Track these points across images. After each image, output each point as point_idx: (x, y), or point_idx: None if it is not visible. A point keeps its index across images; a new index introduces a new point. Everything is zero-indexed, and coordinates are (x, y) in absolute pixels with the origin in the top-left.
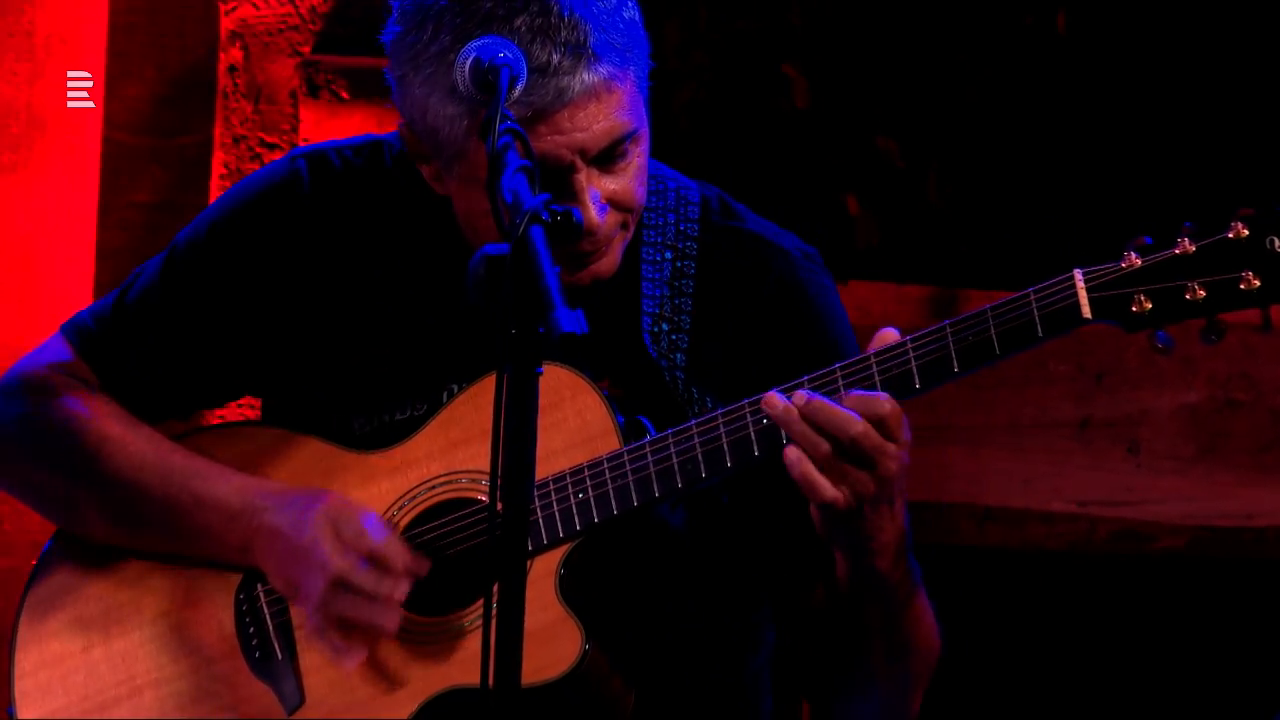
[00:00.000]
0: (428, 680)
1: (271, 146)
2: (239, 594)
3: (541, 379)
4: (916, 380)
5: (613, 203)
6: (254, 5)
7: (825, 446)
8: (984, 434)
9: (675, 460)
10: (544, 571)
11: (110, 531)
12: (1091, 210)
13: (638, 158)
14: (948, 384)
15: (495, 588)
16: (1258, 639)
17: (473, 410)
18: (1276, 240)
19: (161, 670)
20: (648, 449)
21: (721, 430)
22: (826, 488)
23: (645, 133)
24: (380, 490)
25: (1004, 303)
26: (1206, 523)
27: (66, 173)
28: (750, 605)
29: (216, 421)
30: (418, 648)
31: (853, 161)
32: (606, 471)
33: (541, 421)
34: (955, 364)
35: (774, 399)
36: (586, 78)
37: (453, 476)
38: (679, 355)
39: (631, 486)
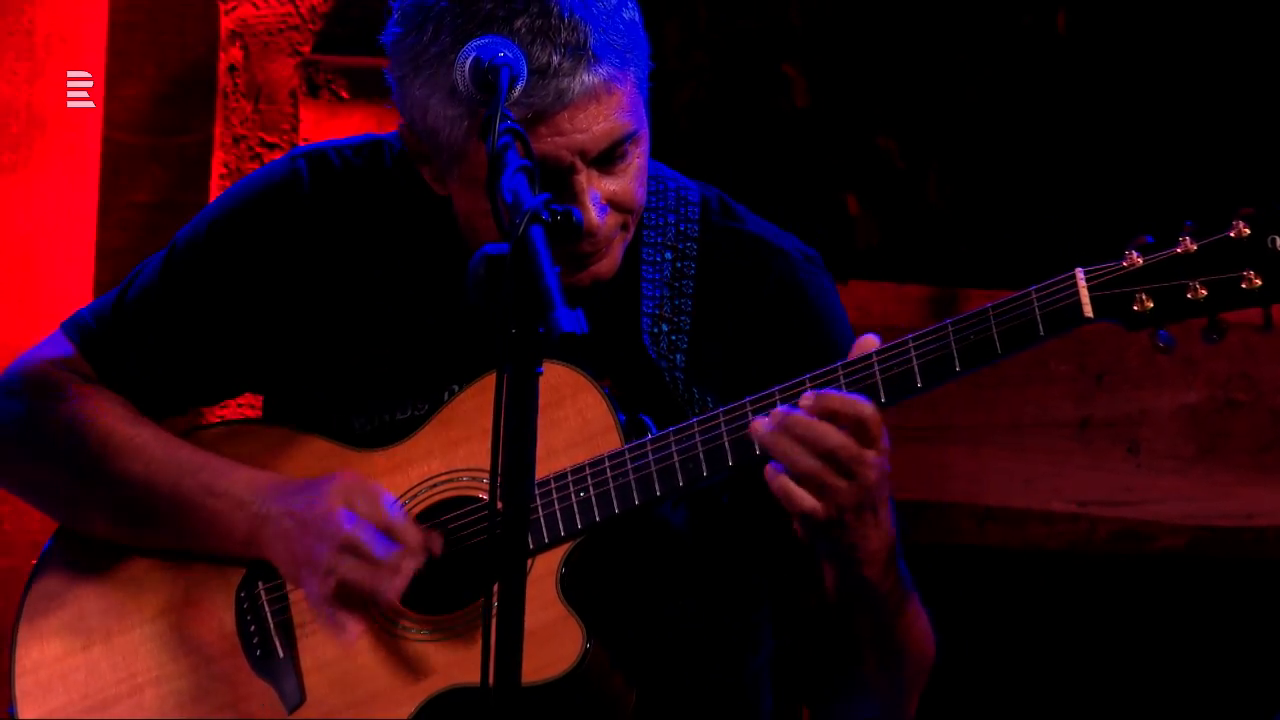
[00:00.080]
0: (428, 679)
1: (271, 146)
2: (240, 592)
3: (543, 377)
4: (918, 379)
5: (613, 204)
6: (254, 5)
7: (804, 461)
8: (985, 433)
9: (677, 459)
10: (545, 570)
11: (114, 528)
12: (1092, 209)
13: (638, 159)
14: (949, 383)
15: (496, 586)
16: (1258, 639)
17: (473, 409)
18: (1277, 239)
19: (162, 669)
20: (649, 447)
21: (723, 429)
22: (804, 498)
23: (645, 134)
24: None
25: (1005, 302)
26: (1206, 523)
27: (66, 172)
28: (750, 605)
29: (217, 420)
30: (419, 646)
31: (853, 161)
32: (608, 470)
33: (543, 419)
34: (957, 363)
35: (757, 427)
36: (586, 79)
37: (453, 475)
38: (679, 356)
39: (633, 485)
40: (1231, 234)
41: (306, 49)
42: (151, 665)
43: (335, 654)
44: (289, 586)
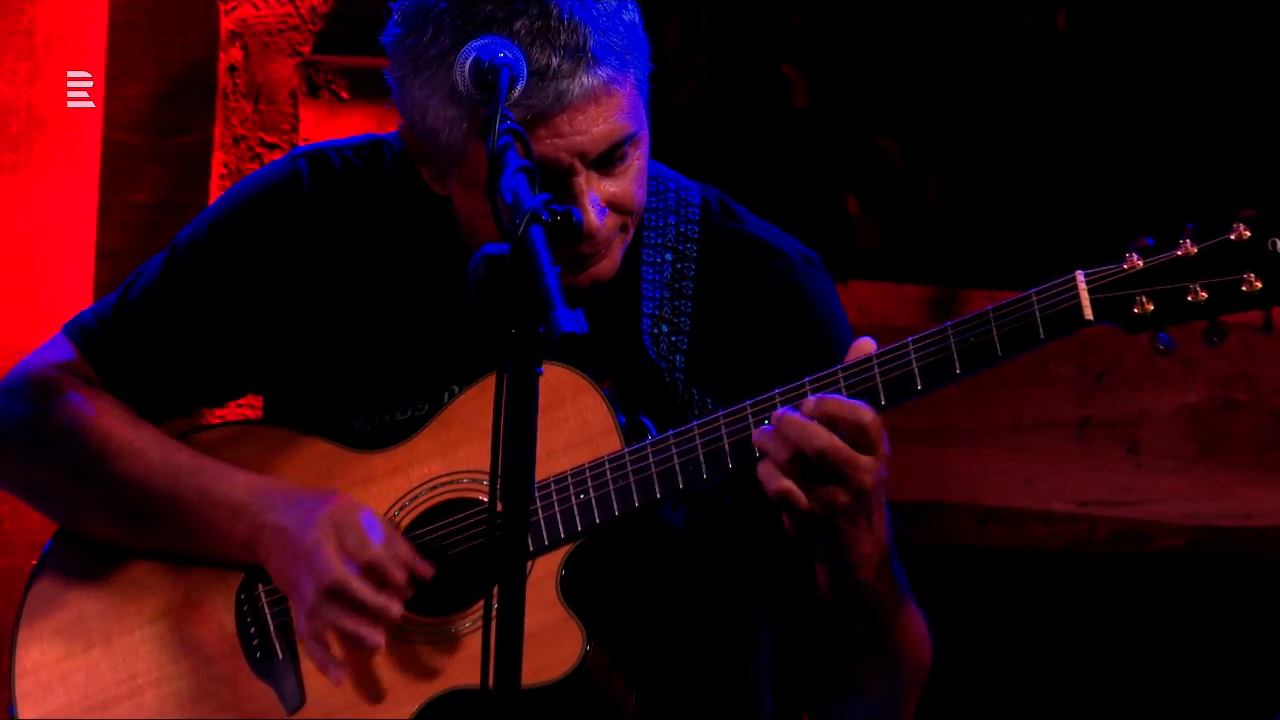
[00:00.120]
0: (428, 681)
1: (271, 146)
2: (240, 594)
3: (543, 378)
4: (919, 381)
5: (612, 205)
6: (254, 5)
7: (786, 454)
8: (985, 434)
9: (677, 461)
10: (545, 572)
11: (114, 530)
12: (1092, 211)
13: (637, 160)
14: (949, 385)
15: (496, 588)
16: (1258, 639)
17: (473, 410)
18: (1278, 242)
19: (162, 669)
20: (649, 449)
21: (723, 431)
22: (779, 478)
23: (645, 135)
24: (381, 490)
25: (1006, 304)
26: (1206, 523)
27: (66, 172)
28: (751, 605)
29: (217, 421)
30: (419, 648)
31: (852, 162)
32: (608, 472)
33: (543, 421)
34: (957, 365)
35: (757, 433)
36: (586, 81)
37: (454, 476)
38: (679, 357)
39: (633, 487)
40: (1232, 236)
41: (306, 49)
42: (151, 666)
43: (315, 665)
44: None
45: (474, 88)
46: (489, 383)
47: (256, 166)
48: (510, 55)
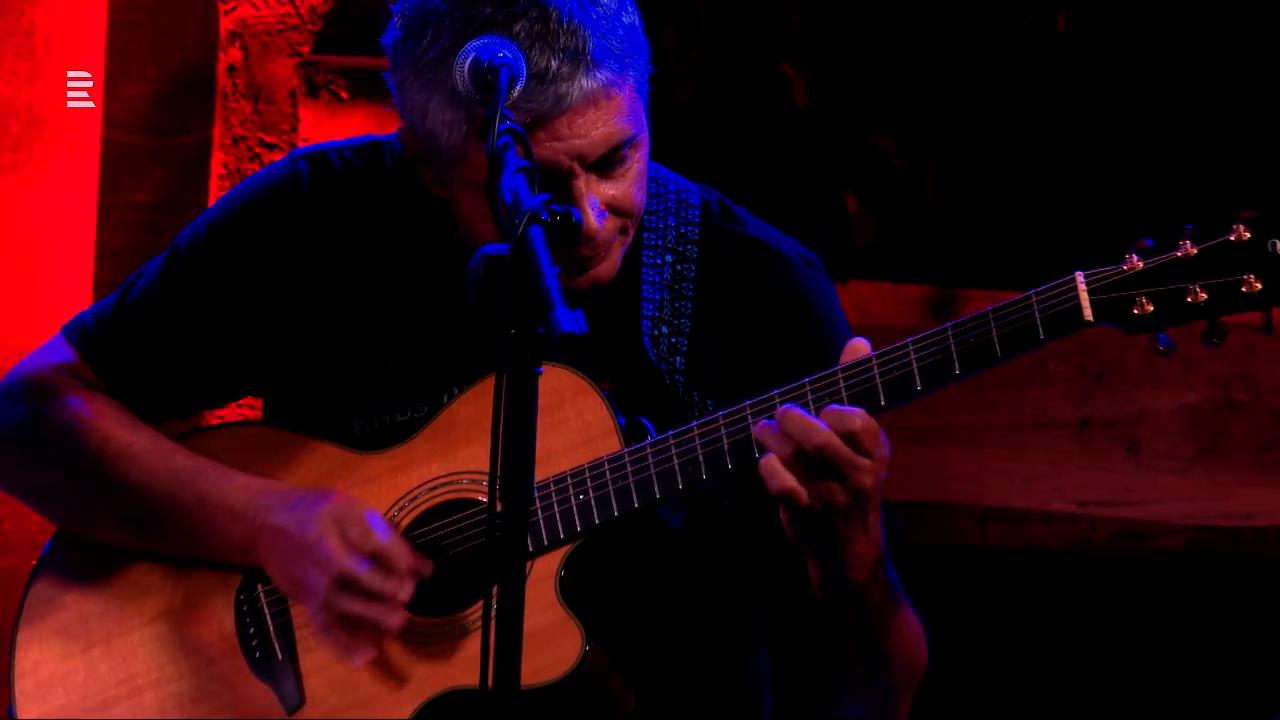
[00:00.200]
0: (428, 681)
1: (271, 146)
2: (239, 594)
3: (543, 379)
4: (918, 382)
5: (612, 208)
6: (253, 5)
7: (789, 449)
8: (985, 434)
9: (676, 462)
10: (544, 573)
11: (113, 532)
12: (1092, 211)
13: (637, 163)
14: (949, 386)
15: (495, 589)
16: (1258, 639)
17: (473, 411)
18: (1278, 243)
19: (162, 670)
20: (648, 450)
21: (723, 432)
22: (785, 476)
23: (645, 138)
24: (381, 490)
25: (1005, 304)
26: (1206, 523)
27: (66, 172)
28: (750, 606)
29: (216, 421)
30: (418, 648)
31: (851, 160)
32: (607, 472)
33: (542, 422)
34: (957, 366)
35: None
36: (585, 84)
37: (453, 477)
38: (679, 358)
39: (632, 488)
40: (1231, 237)
41: (306, 49)
42: (151, 667)
43: (334, 656)
44: None
45: (473, 88)
46: (489, 384)
47: (256, 167)
48: (510, 55)
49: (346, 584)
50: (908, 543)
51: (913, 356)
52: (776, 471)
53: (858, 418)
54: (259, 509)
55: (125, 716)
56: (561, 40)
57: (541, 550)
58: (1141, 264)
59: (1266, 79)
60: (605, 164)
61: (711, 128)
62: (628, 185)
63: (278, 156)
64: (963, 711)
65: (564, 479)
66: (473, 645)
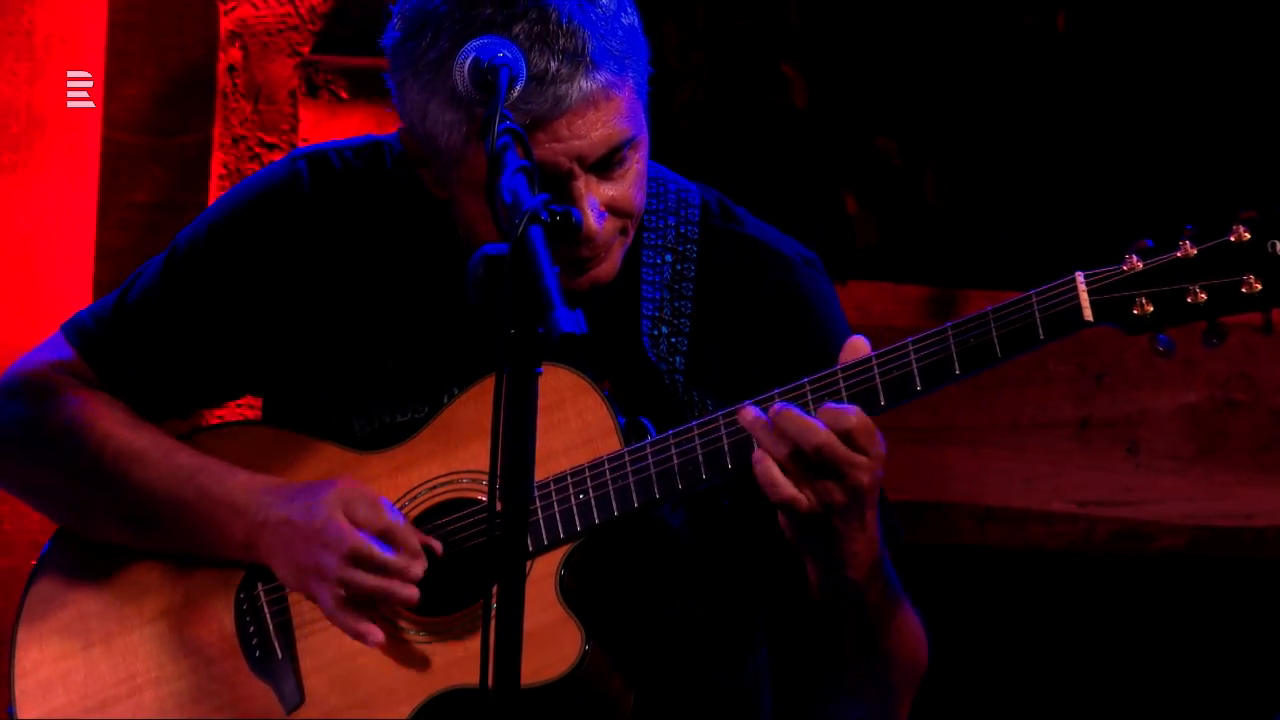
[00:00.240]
0: (427, 680)
1: (271, 146)
2: (239, 593)
3: (543, 379)
4: (918, 382)
5: (611, 209)
6: (253, 5)
7: (785, 449)
8: (984, 434)
9: (676, 461)
10: (544, 572)
11: (113, 530)
12: (1092, 211)
13: (637, 164)
14: (949, 386)
15: (495, 588)
16: (1257, 639)
17: (473, 411)
18: (1278, 243)
19: (162, 669)
20: (648, 450)
21: (722, 432)
22: (786, 486)
23: (644, 139)
24: (381, 490)
25: (1005, 305)
26: (1206, 523)
27: (66, 172)
28: (750, 606)
29: (216, 421)
30: (418, 647)
31: (851, 160)
32: (607, 472)
33: (542, 422)
34: (956, 366)
35: (747, 412)
36: (584, 85)
37: (453, 477)
38: (678, 358)
39: (632, 487)
40: (1231, 238)
41: (306, 49)
42: (151, 666)
43: (334, 655)
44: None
45: (473, 88)
46: (488, 384)
47: (256, 167)
48: (509, 55)
49: (359, 559)
50: (907, 543)
51: (912, 357)
52: (774, 478)
53: (853, 415)
54: (261, 505)
55: (125, 716)
56: (561, 42)
57: (541, 550)
58: (1141, 264)
59: (1266, 79)
60: (605, 165)
61: (711, 128)
62: (627, 186)
63: (278, 156)
64: (963, 711)
65: (564, 479)
66: (472, 644)
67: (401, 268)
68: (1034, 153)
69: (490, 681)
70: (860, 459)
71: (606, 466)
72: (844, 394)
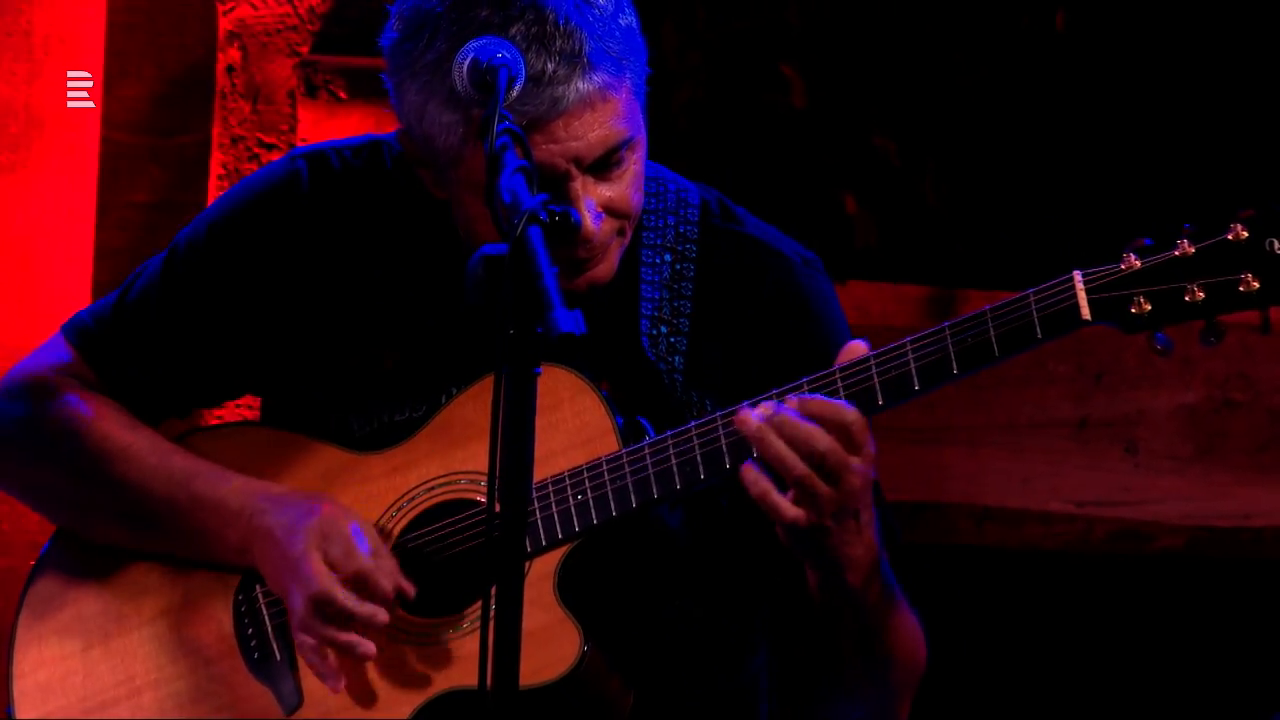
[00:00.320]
0: (426, 682)
1: (270, 146)
2: (238, 595)
3: (541, 380)
4: (916, 382)
5: (609, 210)
6: (252, 5)
7: (794, 464)
8: (982, 434)
9: (674, 462)
10: (543, 573)
11: (111, 532)
12: (1090, 211)
13: (634, 165)
14: (947, 385)
15: (494, 589)
16: (1256, 639)
17: (472, 411)
18: (1276, 242)
19: (160, 671)
20: (646, 451)
21: (720, 432)
22: (788, 507)
23: (642, 140)
24: (378, 491)
25: (1003, 304)
26: (1204, 523)
27: (65, 172)
28: (749, 607)
29: (215, 422)
30: (416, 649)
31: (850, 161)
32: (605, 473)
33: (540, 422)
34: (954, 365)
35: (747, 418)
36: (581, 86)
37: (451, 478)
38: (677, 358)
39: (630, 488)
40: (1229, 237)
41: (304, 49)
42: (150, 667)
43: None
44: None
45: (472, 88)
46: (487, 384)
47: (255, 167)
48: (509, 56)
49: (322, 606)
50: (905, 543)
51: (910, 356)
52: (759, 484)
53: (851, 411)
54: (254, 511)
55: (124, 717)
56: (558, 43)
57: (540, 550)
58: (1139, 263)
59: (1266, 79)
60: (602, 166)
61: (710, 128)
62: (625, 187)
63: (276, 156)
64: (963, 711)
65: (562, 479)
66: (471, 645)
67: (401, 268)
68: (1033, 153)
69: (489, 683)
70: (853, 460)
71: (605, 467)
72: (842, 394)
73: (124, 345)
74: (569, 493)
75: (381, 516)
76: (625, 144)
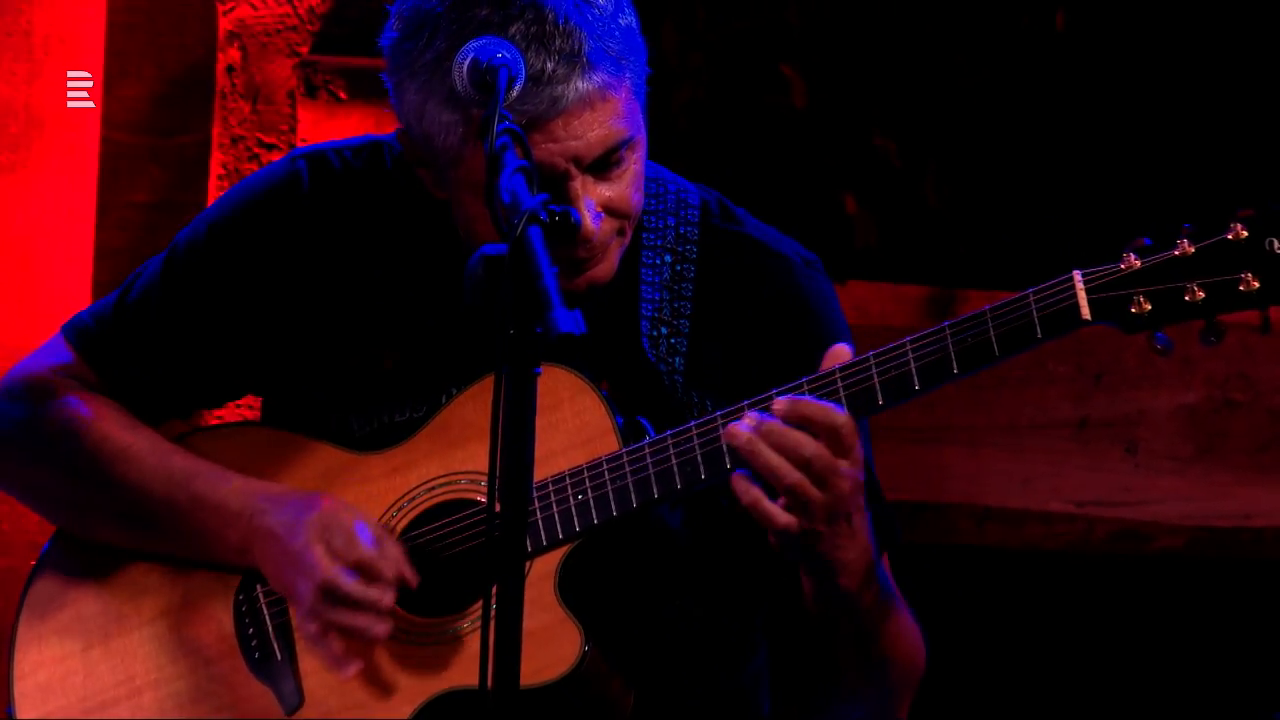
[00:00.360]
0: (427, 682)
1: (269, 147)
2: (238, 595)
3: (541, 380)
4: (916, 381)
5: (608, 210)
6: (252, 5)
7: (785, 472)
8: (983, 434)
9: (674, 462)
10: (543, 573)
11: (111, 533)
12: (1090, 210)
13: (634, 165)
14: (947, 385)
15: (494, 589)
16: (1256, 639)
17: (472, 411)
18: (1275, 242)
19: (161, 671)
20: (647, 451)
21: (721, 432)
22: (779, 515)
23: (642, 139)
24: (379, 491)
25: (1003, 304)
26: (1204, 523)
27: (65, 172)
28: (749, 607)
29: (216, 421)
30: (417, 649)
31: (850, 161)
32: (606, 473)
33: (541, 422)
34: (954, 365)
35: (737, 431)
36: (581, 86)
37: (452, 477)
38: (678, 359)
39: (630, 488)
40: (1229, 236)
41: (304, 49)
42: (150, 667)
43: (325, 666)
44: None
45: (472, 88)
46: (487, 384)
47: (255, 167)
48: (509, 55)
49: (330, 593)
50: (905, 543)
51: (910, 356)
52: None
53: (841, 413)
54: (254, 511)
55: (124, 717)
56: (557, 42)
57: (540, 550)
58: (1139, 263)
59: (1266, 79)
60: (601, 166)
61: (710, 128)
62: (624, 187)
63: (276, 157)
64: (963, 712)
65: (562, 479)
66: (472, 645)
67: (401, 268)
68: (1033, 153)
69: (490, 682)
70: (842, 464)
71: (605, 467)
72: (842, 394)
73: (124, 345)
74: (569, 492)
75: (382, 516)
76: (625, 144)
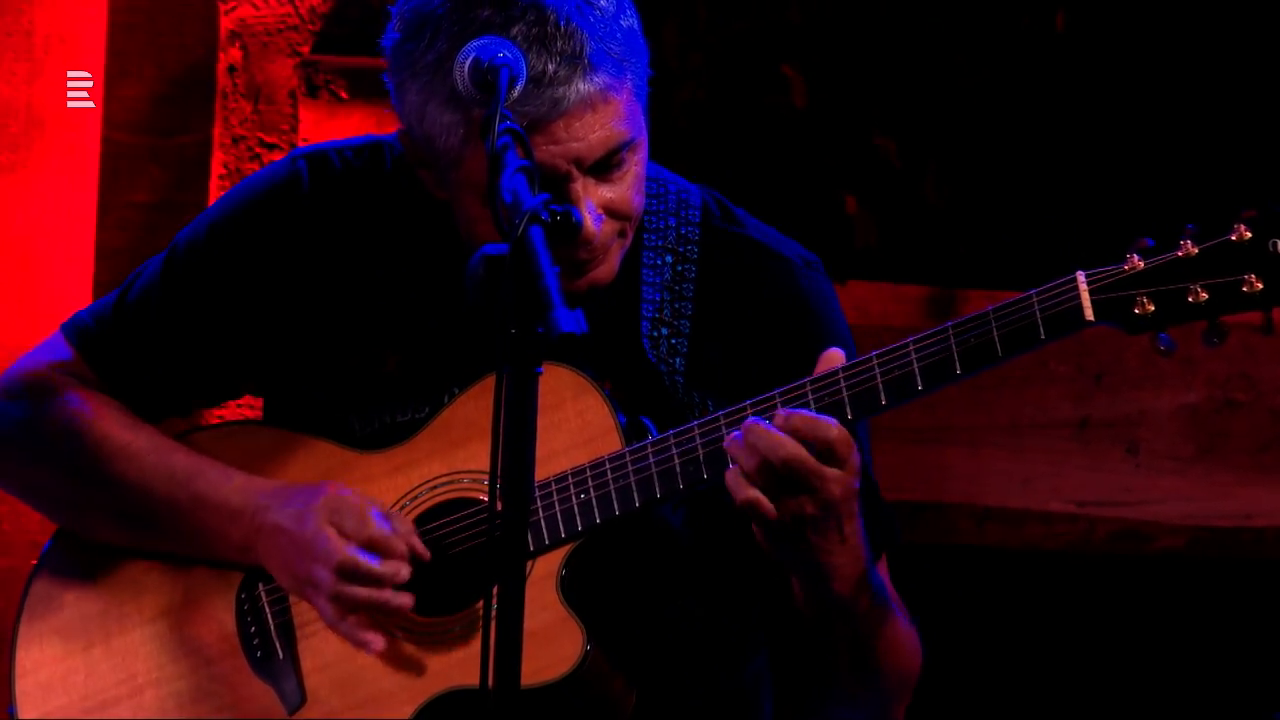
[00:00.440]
0: (428, 681)
1: (271, 146)
2: (240, 593)
3: (543, 379)
4: (919, 382)
5: (609, 211)
6: (253, 5)
7: (754, 462)
8: (983, 434)
9: (677, 461)
10: (545, 572)
11: (113, 532)
12: (1092, 211)
13: (635, 166)
14: (949, 385)
15: (496, 588)
16: (1257, 639)
17: (474, 410)
18: (1279, 243)
19: (162, 670)
20: (649, 449)
21: (723, 432)
22: (747, 488)
23: (643, 141)
24: (381, 490)
25: (1006, 304)
26: (1205, 523)
27: (65, 172)
28: (751, 607)
29: (216, 421)
30: (419, 648)
31: (851, 161)
32: (608, 472)
33: (543, 421)
34: (958, 365)
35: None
36: (582, 88)
37: (454, 476)
38: (678, 359)
39: (633, 487)
40: (1232, 237)
41: (305, 49)
42: (151, 666)
43: (335, 655)
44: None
45: (473, 88)
46: (489, 383)
47: (256, 167)
48: (510, 55)
49: (348, 572)
50: (905, 543)
51: (913, 356)
52: (741, 484)
53: (833, 426)
54: (256, 509)
55: (126, 716)
56: (559, 44)
57: (542, 549)
58: (1142, 264)
59: (1266, 79)
60: (602, 167)
61: (711, 128)
62: (625, 188)
63: (277, 156)
64: (962, 712)
65: (564, 478)
66: (473, 645)
67: (402, 268)
68: (1033, 153)
69: (491, 682)
70: (831, 471)
71: (607, 466)
72: (845, 394)
73: (124, 345)
74: (571, 491)
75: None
76: (626, 145)
